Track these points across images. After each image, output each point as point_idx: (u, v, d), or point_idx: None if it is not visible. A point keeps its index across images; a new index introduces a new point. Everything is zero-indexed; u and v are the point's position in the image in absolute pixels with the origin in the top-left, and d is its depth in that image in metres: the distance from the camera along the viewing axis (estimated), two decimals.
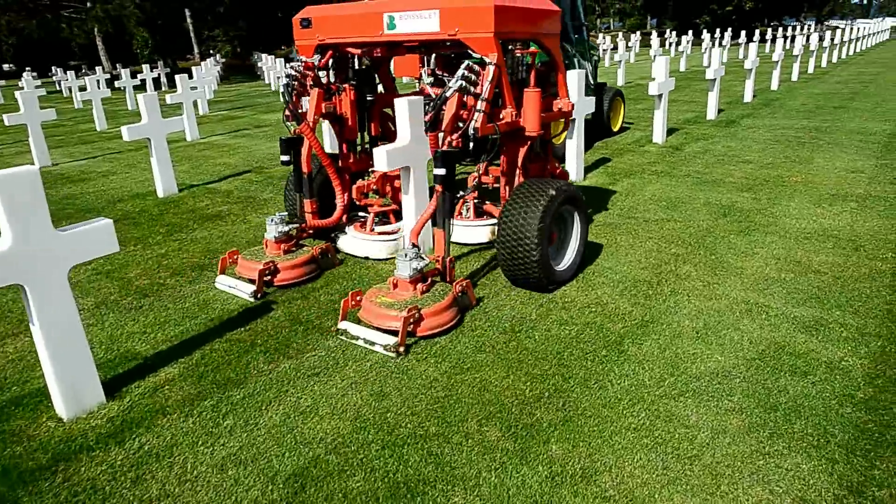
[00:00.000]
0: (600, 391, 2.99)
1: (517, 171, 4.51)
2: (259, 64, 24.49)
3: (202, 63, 19.66)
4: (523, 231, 3.84)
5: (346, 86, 4.95)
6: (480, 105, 3.83)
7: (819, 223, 5.22)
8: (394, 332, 3.47)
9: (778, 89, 14.95)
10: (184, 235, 5.70)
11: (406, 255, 3.66)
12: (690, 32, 28.56)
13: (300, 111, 4.74)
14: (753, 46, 12.56)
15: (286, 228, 4.49)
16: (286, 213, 4.56)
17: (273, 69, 18.96)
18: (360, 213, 5.26)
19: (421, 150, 4.52)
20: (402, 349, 3.40)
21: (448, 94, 3.83)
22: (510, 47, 4.35)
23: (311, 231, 4.85)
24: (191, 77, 14.87)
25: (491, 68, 3.84)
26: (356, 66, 5.07)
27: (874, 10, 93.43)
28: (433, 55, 4.66)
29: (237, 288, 4.34)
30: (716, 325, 3.58)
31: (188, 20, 37.23)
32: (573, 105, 4.76)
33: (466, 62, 3.84)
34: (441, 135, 3.82)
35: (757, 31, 32.70)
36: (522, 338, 3.53)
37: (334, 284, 4.39)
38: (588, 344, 3.43)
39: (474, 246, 5.06)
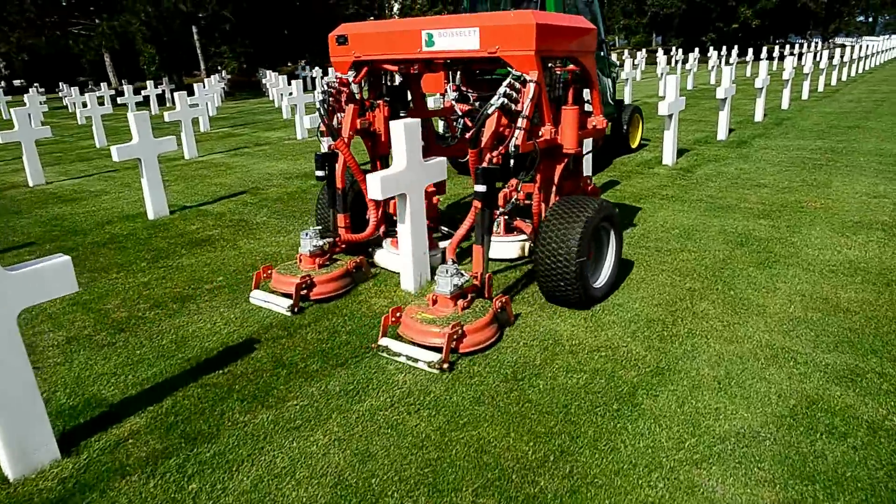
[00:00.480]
0: (612, 454, 2.65)
1: (553, 188, 4.48)
2: (263, 81, 24.40)
3: (205, 79, 19.53)
4: (563, 248, 3.84)
5: (380, 102, 4.97)
6: (521, 122, 3.84)
7: (844, 254, 4.89)
8: (436, 349, 3.45)
9: (789, 108, 14.65)
10: (170, 262, 5.41)
11: (447, 272, 3.65)
12: (697, 50, 28.39)
13: (336, 127, 4.79)
14: (764, 64, 12.29)
15: (320, 243, 4.48)
16: (320, 228, 4.59)
17: (276, 86, 18.79)
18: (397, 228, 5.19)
19: (418, 177, 4.23)
20: (445, 366, 3.36)
21: (490, 111, 3.83)
22: (549, 65, 4.33)
23: (343, 245, 4.81)
24: (191, 94, 14.72)
25: (531, 86, 3.84)
26: (389, 83, 5.11)
27: (880, 28, 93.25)
28: (458, 72, 4.72)
29: (273, 302, 4.29)
30: (739, 373, 3.24)
31: (195, 37, 37.36)
32: (607, 123, 4.65)
33: (508, 79, 3.84)
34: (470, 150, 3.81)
35: (764, 49, 32.52)
36: (525, 387, 3.20)
37: (323, 321, 4.08)
38: (598, 395, 3.10)
39: (500, 261, 4.99)
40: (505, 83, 3.82)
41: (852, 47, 26.33)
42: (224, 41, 41.19)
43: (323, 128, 4.72)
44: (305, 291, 4.27)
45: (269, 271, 4.48)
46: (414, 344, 3.55)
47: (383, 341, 3.66)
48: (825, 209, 6.14)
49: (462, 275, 3.72)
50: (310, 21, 39.08)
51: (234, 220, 6.75)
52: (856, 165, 8.09)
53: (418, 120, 4.19)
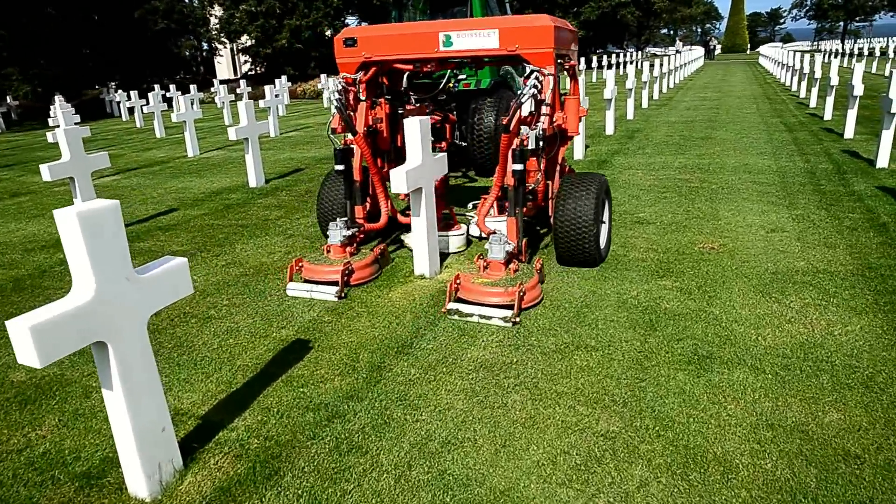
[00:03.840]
0: None
1: (557, 168, 4.96)
2: (52, 109, 20.32)
3: None
4: (580, 215, 4.38)
5: (381, 100, 5.26)
6: (545, 109, 4.30)
7: (789, 332, 3.60)
8: (500, 307, 3.84)
9: (634, 118, 14.20)
10: None
11: (500, 240, 4.13)
12: None
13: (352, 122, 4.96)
14: (611, 74, 11.56)
15: (349, 232, 4.77)
16: (347, 219, 4.85)
17: (56, 120, 15.23)
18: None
19: (125, 303, 2.28)
20: (517, 320, 3.77)
21: (524, 100, 4.14)
22: (559, 61, 4.66)
23: (362, 236, 5.04)
24: None
25: (550, 78, 4.30)
26: (387, 83, 5.44)
27: (677, 41, 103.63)
28: (405, 76, 5.12)
29: (317, 291, 4.44)
30: None
31: None
32: (587, 110, 4.91)
33: (535, 73, 4.25)
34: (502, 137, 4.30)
35: (595, 58, 33.56)
36: None
37: None
38: None
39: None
40: (533, 76, 4.21)
41: (662, 57, 27.45)
42: (12, 61, 35.21)
43: (335, 125, 4.94)
44: (346, 277, 4.48)
45: (301, 264, 4.61)
46: (478, 304, 3.87)
47: (451, 305, 3.96)
48: (729, 254, 4.95)
49: (509, 242, 4.17)
50: (116, 40, 34.57)
51: None
52: (732, 188, 7.19)
53: (116, 203, 2.24)
